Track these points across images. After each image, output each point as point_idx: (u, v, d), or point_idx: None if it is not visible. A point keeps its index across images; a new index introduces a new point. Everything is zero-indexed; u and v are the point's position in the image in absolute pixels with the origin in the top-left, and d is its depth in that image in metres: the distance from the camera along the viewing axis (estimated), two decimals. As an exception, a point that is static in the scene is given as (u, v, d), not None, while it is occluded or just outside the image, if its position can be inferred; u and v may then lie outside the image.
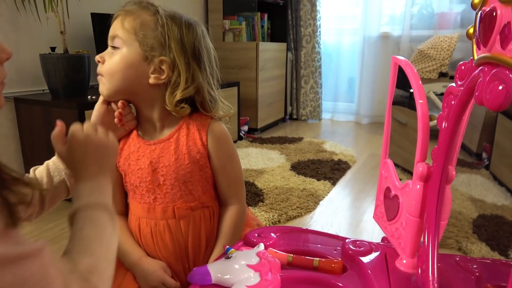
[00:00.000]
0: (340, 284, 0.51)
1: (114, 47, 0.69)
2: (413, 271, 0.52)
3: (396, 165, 0.84)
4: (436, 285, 0.43)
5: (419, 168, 0.48)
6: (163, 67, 0.68)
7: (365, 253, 0.56)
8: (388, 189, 0.59)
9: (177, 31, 0.69)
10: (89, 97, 1.80)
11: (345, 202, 1.85)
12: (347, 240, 0.60)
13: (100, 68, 0.70)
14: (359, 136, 3.16)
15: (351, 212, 1.73)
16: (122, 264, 0.75)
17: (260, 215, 1.64)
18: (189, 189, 0.73)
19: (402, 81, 0.62)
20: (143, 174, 0.73)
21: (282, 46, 3.38)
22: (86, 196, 0.50)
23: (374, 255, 0.56)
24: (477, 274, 0.50)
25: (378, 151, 2.64)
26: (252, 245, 0.59)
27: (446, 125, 0.45)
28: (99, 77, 0.71)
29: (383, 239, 0.63)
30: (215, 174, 0.76)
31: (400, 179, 0.58)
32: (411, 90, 0.72)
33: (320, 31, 3.48)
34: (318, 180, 2.05)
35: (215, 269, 0.52)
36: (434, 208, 0.46)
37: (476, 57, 0.36)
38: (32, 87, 1.95)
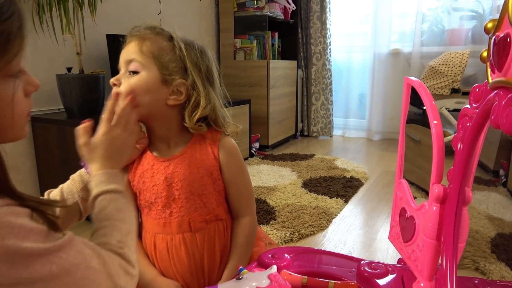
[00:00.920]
0: (357, 308, 0.50)
1: (131, 71, 0.70)
2: (431, 295, 0.51)
3: (410, 182, 0.83)
4: (455, 310, 0.42)
5: (435, 189, 0.48)
6: (181, 89, 0.72)
7: (381, 276, 0.55)
8: (403, 210, 0.58)
9: (193, 55, 0.73)
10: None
11: (358, 220, 1.83)
12: (362, 262, 0.59)
13: (117, 91, 0.72)
14: (371, 152, 3.14)
15: (365, 231, 1.71)
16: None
17: (272, 233, 1.63)
18: (203, 202, 0.75)
19: (415, 98, 0.62)
20: (159, 190, 0.74)
21: (293, 63, 3.41)
22: (105, 183, 0.57)
23: (390, 277, 0.55)
24: (498, 298, 0.49)
25: (391, 168, 2.62)
26: (266, 266, 0.59)
27: (461, 147, 0.45)
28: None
29: (399, 260, 0.62)
30: (227, 187, 0.78)
31: (415, 197, 0.57)
32: (424, 107, 0.72)
33: (330, 49, 3.51)
34: (331, 197, 2.04)
35: (227, 290, 0.52)
36: (452, 231, 0.46)
37: (490, 81, 0.36)
38: (48, 106, 1.99)
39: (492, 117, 0.34)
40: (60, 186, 0.70)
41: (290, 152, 3.03)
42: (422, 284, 0.52)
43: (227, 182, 0.78)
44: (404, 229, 0.58)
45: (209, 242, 0.76)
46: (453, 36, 3.20)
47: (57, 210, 0.63)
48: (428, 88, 2.94)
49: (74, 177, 0.72)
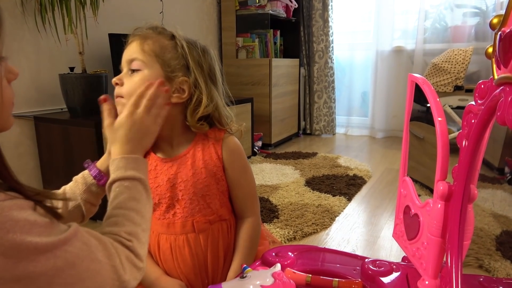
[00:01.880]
0: (361, 306, 0.50)
1: (133, 70, 0.70)
2: (436, 293, 0.50)
3: (414, 180, 0.82)
4: (461, 308, 0.42)
5: (440, 187, 0.48)
6: (184, 87, 0.72)
7: (386, 274, 0.55)
8: (407, 208, 0.58)
9: (195, 53, 0.73)
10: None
11: (362, 218, 1.82)
12: (366, 260, 0.59)
13: (120, 90, 0.71)
14: (374, 150, 3.13)
15: (368, 229, 1.70)
16: (140, 283, 0.75)
17: (275, 231, 1.63)
18: (207, 202, 0.75)
19: (418, 95, 0.62)
20: (162, 191, 0.74)
21: (295, 62, 3.40)
22: (123, 169, 0.56)
23: (395, 275, 0.55)
24: (503, 296, 0.49)
25: (394, 166, 2.61)
26: (270, 264, 0.59)
27: (466, 144, 0.45)
28: (118, 99, 0.72)
29: (404, 258, 0.62)
30: (230, 187, 0.78)
31: (419, 195, 0.57)
32: (428, 105, 0.72)
33: (332, 47, 3.50)
34: (334, 195, 2.03)
35: (230, 288, 0.52)
36: (457, 228, 0.45)
37: (496, 77, 0.36)
38: (51, 106, 2.00)
39: (498, 114, 0.34)
40: (63, 187, 0.69)
41: (292, 151, 3.03)
42: (427, 282, 0.52)
43: (231, 182, 0.78)
44: (409, 227, 0.58)
45: (213, 242, 0.76)
46: (456, 33, 3.19)
47: (59, 204, 0.63)
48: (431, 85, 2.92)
49: (77, 178, 0.70)
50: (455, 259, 0.45)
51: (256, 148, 2.92)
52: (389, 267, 0.57)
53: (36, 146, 1.93)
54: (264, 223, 1.72)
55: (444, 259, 0.49)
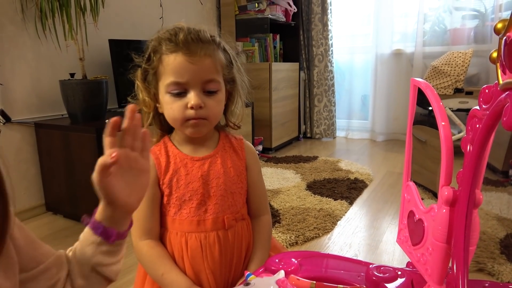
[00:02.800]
0: (366, 313, 0.50)
1: (210, 92, 0.72)
2: (442, 299, 0.50)
3: (417, 184, 0.82)
4: (468, 315, 0.41)
5: (445, 192, 0.47)
6: (226, 94, 0.77)
7: (390, 280, 0.55)
8: (411, 213, 0.58)
9: (235, 63, 0.79)
10: (106, 120, 1.82)
11: (363, 222, 1.82)
12: (371, 266, 0.58)
13: (204, 113, 0.72)
14: (375, 154, 3.13)
15: (370, 233, 1.70)
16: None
17: (277, 236, 1.62)
18: (234, 200, 0.78)
19: (420, 99, 0.61)
20: (194, 188, 0.75)
21: (295, 66, 3.40)
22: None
23: (399, 281, 0.55)
24: (510, 302, 0.48)
25: (395, 169, 2.60)
26: (273, 271, 0.58)
27: (471, 148, 0.45)
28: (198, 121, 0.72)
29: (408, 264, 0.62)
30: (250, 187, 0.83)
31: (422, 199, 0.57)
32: (430, 108, 0.72)
33: (332, 50, 3.51)
34: (335, 199, 2.03)
35: (236, 296, 0.51)
36: (462, 234, 0.45)
37: (501, 82, 0.36)
38: (52, 112, 2.00)
39: (504, 119, 0.34)
40: (71, 250, 0.55)
41: (293, 154, 3.03)
42: (432, 288, 0.52)
43: (251, 183, 0.83)
44: (413, 232, 0.57)
45: (238, 239, 0.78)
46: (455, 36, 3.19)
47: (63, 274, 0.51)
48: (431, 88, 2.92)
49: (82, 239, 0.55)
50: (461, 265, 0.44)
51: (257, 152, 2.92)
52: (394, 273, 0.56)
53: (37, 152, 1.93)
54: (266, 228, 1.71)
55: (450, 264, 0.49)
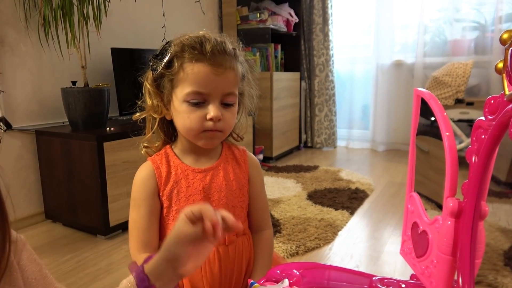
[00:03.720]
0: (370, 327, 0.49)
1: (227, 104, 0.71)
2: (447, 313, 0.49)
3: (419, 194, 0.80)
4: (475, 330, 0.40)
5: (450, 203, 0.47)
6: None
7: (394, 292, 0.54)
8: (415, 224, 0.57)
9: (246, 76, 0.79)
10: (107, 129, 1.83)
11: (365, 232, 1.80)
12: (374, 278, 0.57)
13: (221, 125, 0.71)
14: (376, 163, 3.12)
15: (372, 243, 1.68)
16: None
17: (277, 246, 1.61)
18: (236, 214, 0.76)
19: (423, 109, 0.61)
20: (195, 200, 0.73)
21: (296, 75, 3.42)
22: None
23: (403, 294, 0.54)
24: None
25: (396, 179, 2.59)
26: (275, 282, 0.57)
27: (476, 159, 0.44)
28: (216, 133, 0.71)
29: (412, 276, 0.61)
30: (252, 201, 0.81)
31: (425, 209, 0.56)
32: (432, 118, 0.72)
33: (333, 60, 3.52)
34: (336, 209, 2.02)
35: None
36: (468, 246, 0.44)
37: (507, 92, 0.36)
38: (53, 119, 2.00)
39: (511, 130, 0.33)
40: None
41: (294, 164, 3.02)
42: (437, 302, 0.51)
43: (253, 196, 0.81)
44: (417, 244, 0.57)
45: (239, 255, 0.77)
46: (456, 47, 3.21)
47: None
48: (432, 98, 2.93)
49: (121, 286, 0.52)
50: (467, 278, 0.44)
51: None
52: (398, 286, 0.56)
53: (37, 159, 1.93)
54: (266, 238, 1.70)
55: (455, 277, 0.48)
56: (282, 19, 3.27)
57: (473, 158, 0.44)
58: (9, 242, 0.36)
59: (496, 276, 1.27)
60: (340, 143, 3.73)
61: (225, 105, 0.71)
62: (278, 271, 0.61)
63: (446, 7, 3.24)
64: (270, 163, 3.07)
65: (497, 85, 3.03)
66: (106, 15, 1.90)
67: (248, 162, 0.81)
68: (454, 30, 3.23)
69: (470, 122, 2.71)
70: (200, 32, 0.73)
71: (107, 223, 1.73)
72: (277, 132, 3.10)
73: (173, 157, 0.76)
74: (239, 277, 0.77)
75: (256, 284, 0.55)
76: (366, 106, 3.71)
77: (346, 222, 1.89)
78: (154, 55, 0.75)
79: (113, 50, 2.09)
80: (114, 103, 2.10)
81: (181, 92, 0.69)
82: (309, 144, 3.69)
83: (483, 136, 0.42)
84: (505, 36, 0.35)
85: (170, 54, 0.71)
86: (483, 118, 0.43)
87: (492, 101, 0.42)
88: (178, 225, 0.49)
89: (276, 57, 3.33)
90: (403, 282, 0.57)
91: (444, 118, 0.51)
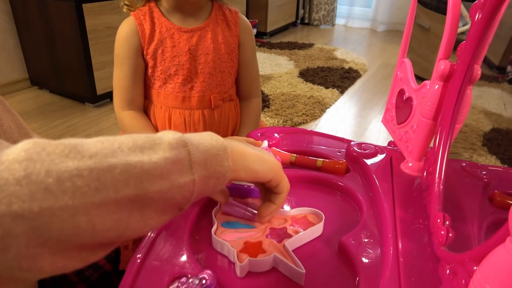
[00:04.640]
0: (342, 184, 0.50)
1: None
2: (418, 174, 0.50)
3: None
4: (441, 187, 0.42)
5: (441, 66, 0.44)
6: None
7: (370, 156, 0.55)
8: (401, 91, 0.55)
9: None
10: None
11: (352, 111, 1.82)
12: (352, 143, 0.58)
13: None
14: (373, 44, 3.01)
15: (357, 121, 1.71)
16: None
17: (265, 120, 1.63)
18: (223, 79, 0.74)
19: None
20: (181, 62, 0.70)
21: None
22: None
23: (379, 157, 0.55)
24: (485, 180, 0.49)
25: (392, 61, 2.53)
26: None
27: (480, 16, 0.40)
28: None
29: (390, 143, 0.61)
30: (241, 67, 0.77)
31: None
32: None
33: None
34: (326, 88, 2.00)
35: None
36: (451, 109, 0.43)
37: None
38: (24, -25, 1.80)
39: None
40: None
41: (288, 41, 2.90)
42: (410, 164, 0.52)
43: (243, 62, 0.77)
44: (400, 111, 0.55)
45: (224, 119, 0.76)
46: None
47: None
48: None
49: None
50: (444, 141, 0.43)
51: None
52: (374, 150, 0.56)
53: (13, 21, 1.80)
54: (255, 112, 1.71)
55: (431, 144, 0.48)
56: None
57: (477, 15, 0.40)
58: None
59: (472, 155, 1.33)
60: (339, 21, 3.53)
61: None
62: (259, 134, 0.61)
63: None
64: (264, 38, 2.93)
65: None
66: None
67: (240, 25, 0.75)
68: None
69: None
70: None
71: (94, 91, 1.71)
72: (273, 5, 2.89)
73: (158, 14, 0.70)
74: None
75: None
76: (371, -20, 3.41)
77: (335, 101, 1.89)
78: None
79: None
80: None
81: None
82: (306, 21, 3.49)
83: (493, -13, 0.37)
84: None
85: None
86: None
87: None
88: None
89: None
90: (379, 147, 0.57)
91: (453, -30, 0.45)
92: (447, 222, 0.37)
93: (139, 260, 0.37)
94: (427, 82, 0.48)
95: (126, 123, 0.73)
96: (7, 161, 0.21)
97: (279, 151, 0.56)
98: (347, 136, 1.57)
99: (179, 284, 0.35)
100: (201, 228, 0.43)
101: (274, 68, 2.28)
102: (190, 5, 0.70)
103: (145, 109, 0.76)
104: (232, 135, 0.80)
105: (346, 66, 2.33)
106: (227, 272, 0.38)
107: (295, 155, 0.55)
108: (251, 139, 0.56)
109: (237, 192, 0.47)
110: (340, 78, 2.14)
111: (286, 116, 1.67)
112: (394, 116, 0.57)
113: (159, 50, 0.70)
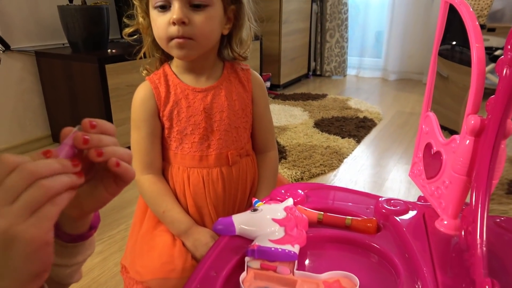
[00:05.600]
0: (375, 245, 0.48)
1: (197, 5, 0.62)
2: (455, 233, 0.48)
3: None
4: (484, 248, 0.39)
5: (471, 121, 0.43)
6: (230, 15, 0.69)
7: (401, 213, 0.53)
8: (429, 145, 0.54)
9: None
10: (109, 50, 1.76)
11: (370, 160, 1.80)
12: (380, 199, 0.56)
13: (189, 31, 0.62)
14: (386, 93, 3.04)
15: (376, 171, 1.69)
16: (168, 231, 0.72)
17: (282, 172, 1.62)
18: (239, 135, 0.74)
19: (445, 29, 0.55)
20: (197, 121, 0.71)
21: (307, -3, 3.20)
22: None
23: (410, 214, 0.53)
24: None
25: (406, 109, 2.54)
26: (279, 201, 0.56)
27: (508, 72, 0.39)
28: (183, 41, 0.63)
29: (420, 198, 0.59)
30: (255, 121, 0.78)
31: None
32: (454, 42, 0.65)
33: (347, -20, 3.27)
34: (343, 137, 2.00)
35: (240, 221, 0.50)
36: (487, 165, 0.41)
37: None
38: (52, 40, 1.92)
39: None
40: None
41: (302, 92, 2.95)
42: (445, 222, 0.49)
43: (257, 117, 0.77)
44: (429, 165, 0.54)
45: (242, 176, 0.75)
46: (483, -34, 2.93)
47: None
48: (451, 24, 2.74)
49: None
50: (482, 198, 0.41)
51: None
52: (405, 206, 0.54)
53: (39, 82, 1.89)
54: (272, 164, 1.71)
55: (468, 199, 0.46)
56: None
57: (504, 71, 0.40)
58: None
59: (497, 206, 1.27)
60: (350, 71, 3.61)
61: (195, 6, 0.62)
62: (283, 191, 0.60)
63: None
64: (278, 90, 3.00)
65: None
66: None
67: (252, 81, 0.76)
68: None
69: (489, 50, 2.57)
70: None
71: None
72: (285, 59, 2.99)
73: (172, 76, 0.72)
74: (243, 197, 0.77)
75: (260, 202, 0.54)
76: (379, 33, 3.52)
77: (352, 150, 1.88)
78: None
79: (111, -36, 1.93)
80: (114, 24, 2.00)
81: None
82: (318, 72, 3.58)
83: (520, 44, 0.37)
84: None
85: None
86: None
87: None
88: None
89: (286, -24, 3.09)
90: (410, 203, 0.55)
91: (475, 27, 0.45)
92: (498, 290, 0.34)
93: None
94: (456, 137, 0.47)
95: (145, 188, 0.73)
96: None
97: (305, 209, 0.54)
98: (367, 186, 1.55)
99: None
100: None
101: (289, 119, 2.31)
102: (200, 66, 0.71)
103: (163, 171, 0.75)
104: (251, 190, 0.78)
105: (361, 116, 2.34)
106: None
107: (322, 213, 0.53)
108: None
109: (266, 255, 0.45)
110: (355, 127, 2.15)
111: (304, 167, 1.66)
112: (423, 170, 0.55)
113: (174, 111, 0.71)
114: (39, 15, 1.85)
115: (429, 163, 0.53)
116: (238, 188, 0.75)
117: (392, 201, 0.55)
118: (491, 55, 2.44)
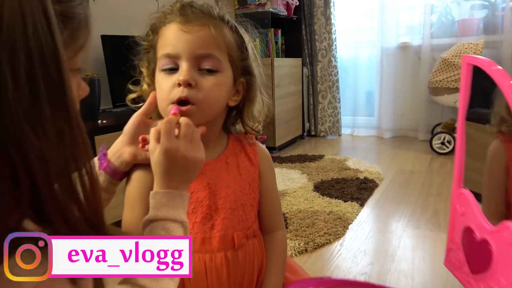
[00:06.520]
0: None
1: (207, 70, 0.58)
2: None
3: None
4: None
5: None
6: (240, 87, 0.65)
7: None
8: (469, 230, 0.45)
9: (251, 52, 0.66)
10: (99, 121, 1.71)
11: (377, 226, 1.69)
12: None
13: (194, 94, 0.57)
14: (383, 151, 3.00)
15: (386, 238, 1.57)
16: None
17: (285, 244, 1.49)
18: (245, 213, 0.66)
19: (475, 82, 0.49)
20: (199, 198, 0.63)
21: (297, 61, 3.28)
22: (165, 208, 0.49)
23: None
24: None
25: (406, 167, 2.48)
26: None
27: None
28: (185, 109, 0.58)
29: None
30: (263, 198, 0.71)
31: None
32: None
33: (336, 45, 3.38)
34: (345, 201, 1.90)
35: None
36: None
37: None
38: (41, 113, 1.87)
39: None
40: None
41: (298, 153, 2.90)
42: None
43: (264, 193, 0.71)
44: (472, 256, 0.45)
45: (249, 260, 0.66)
46: (464, 27, 3.06)
47: None
48: (441, 81, 2.78)
49: None
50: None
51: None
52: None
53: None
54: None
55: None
56: (281, 2, 3.12)
57: None
58: None
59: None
60: (345, 130, 3.60)
61: (204, 71, 0.58)
62: (296, 290, 0.50)
63: (453, -15, 3.09)
64: (273, 153, 2.95)
65: (509, 65, 2.89)
66: (93, 0, 1.76)
67: (259, 155, 0.70)
68: (462, 10, 3.08)
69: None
70: None
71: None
72: (280, 121, 2.98)
73: None
74: (250, 284, 0.67)
75: None
76: (370, 92, 3.57)
77: (357, 215, 1.77)
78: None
79: (104, 38, 1.96)
80: (106, 94, 1.97)
81: (158, 61, 0.61)
82: (313, 133, 3.57)
83: None
84: None
85: (151, 26, 0.62)
86: None
87: None
88: None
89: (276, 42, 3.19)
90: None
91: (511, 87, 0.39)
92: None
93: None
94: (508, 223, 0.38)
95: None
96: None
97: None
98: (378, 256, 1.41)
99: None
100: None
101: (287, 183, 2.22)
102: (203, 137, 0.65)
103: None
104: (258, 276, 0.68)
105: (361, 176, 2.26)
106: None
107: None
108: None
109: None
110: (357, 189, 2.06)
111: (307, 237, 1.53)
112: (464, 260, 0.46)
113: None
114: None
115: (473, 253, 0.44)
116: (244, 275, 0.65)
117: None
118: None
